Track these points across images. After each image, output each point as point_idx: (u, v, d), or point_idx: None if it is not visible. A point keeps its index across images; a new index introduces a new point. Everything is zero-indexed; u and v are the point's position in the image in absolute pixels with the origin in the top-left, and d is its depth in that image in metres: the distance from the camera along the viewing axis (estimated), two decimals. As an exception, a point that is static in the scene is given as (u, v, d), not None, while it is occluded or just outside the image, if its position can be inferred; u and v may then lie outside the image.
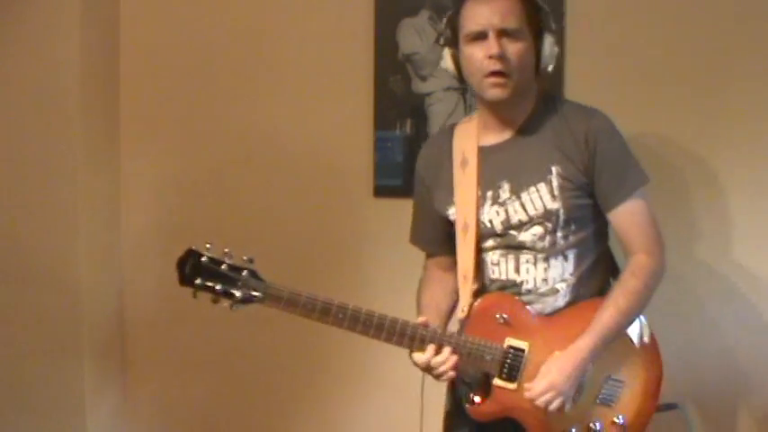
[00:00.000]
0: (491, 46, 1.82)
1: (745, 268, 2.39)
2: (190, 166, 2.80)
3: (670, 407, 2.00)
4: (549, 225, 1.88)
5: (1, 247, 2.75)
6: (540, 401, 1.81)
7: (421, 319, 1.88)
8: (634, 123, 2.43)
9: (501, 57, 1.83)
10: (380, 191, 2.60)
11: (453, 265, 2.03)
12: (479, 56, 1.85)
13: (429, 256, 2.11)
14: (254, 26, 2.73)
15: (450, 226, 2.01)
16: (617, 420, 1.87)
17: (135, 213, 2.82)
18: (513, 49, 1.84)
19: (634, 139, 2.42)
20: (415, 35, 2.56)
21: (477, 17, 1.84)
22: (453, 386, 2.02)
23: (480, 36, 1.84)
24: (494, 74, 1.84)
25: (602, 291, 1.92)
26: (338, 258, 2.64)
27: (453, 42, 1.92)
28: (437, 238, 2.06)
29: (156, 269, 2.67)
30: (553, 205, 1.87)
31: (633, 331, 1.90)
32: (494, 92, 1.86)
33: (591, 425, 1.86)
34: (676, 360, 2.26)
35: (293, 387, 2.78)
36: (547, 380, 1.82)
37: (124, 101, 2.84)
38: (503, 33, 1.83)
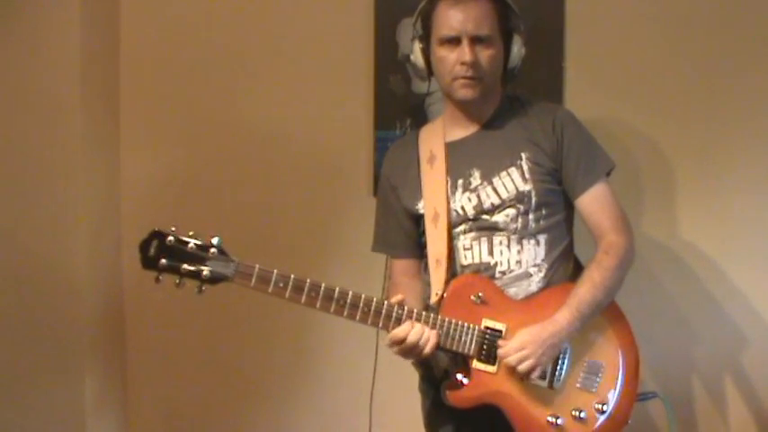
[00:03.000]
0: (464, 53, 1.87)
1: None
2: (190, 165, 2.80)
3: (650, 396, 2.00)
4: (522, 207, 1.91)
5: (1, 246, 2.74)
6: (513, 359, 1.81)
7: (397, 298, 1.85)
8: (634, 124, 2.44)
9: (473, 63, 1.87)
10: (380, 191, 2.60)
11: (419, 272, 2.05)
12: (452, 60, 1.90)
13: (394, 258, 2.09)
14: (253, 26, 2.73)
15: (416, 227, 2.03)
16: (600, 407, 1.87)
17: (135, 213, 2.82)
18: (485, 54, 1.89)
19: (633, 139, 2.43)
20: (415, 35, 2.56)
21: (451, 22, 1.88)
22: (429, 386, 2.00)
23: (453, 41, 1.88)
24: (464, 77, 1.89)
25: (573, 279, 1.93)
26: (338, 258, 2.64)
27: (424, 37, 1.95)
28: (403, 240, 2.06)
29: (156, 269, 2.67)
30: (525, 187, 1.91)
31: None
32: (463, 92, 1.92)
33: (574, 412, 1.86)
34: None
35: (292, 385, 2.78)
36: (520, 340, 1.82)
37: (124, 100, 2.83)
38: (476, 40, 1.88)
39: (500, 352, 1.83)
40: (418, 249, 2.05)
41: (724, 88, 2.38)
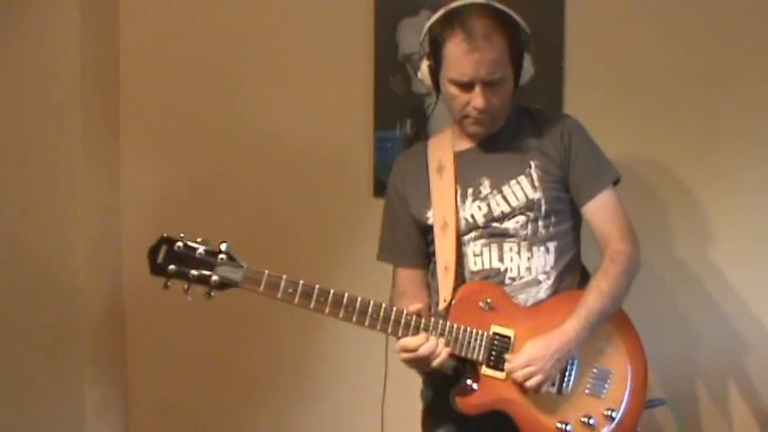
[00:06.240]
0: (477, 99, 1.84)
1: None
2: (189, 166, 2.81)
3: (657, 402, 2.00)
4: (531, 214, 1.91)
5: (1, 247, 2.75)
6: (519, 375, 1.81)
7: (415, 307, 1.84)
8: (633, 125, 2.44)
9: (485, 109, 1.85)
10: (380, 191, 2.57)
11: (425, 282, 2.04)
12: (462, 101, 1.87)
13: (400, 267, 2.07)
14: (253, 27, 2.73)
15: (423, 237, 2.02)
16: (609, 413, 1.86)
17: (135, 214, 2.82)
18: (497, 95, 1.86)
19: (633, 139, 2.43)
20: (414, 35, 2.55)
21: (463, 67, 1.82)
22: (430, 382, 2.00)
23: (466, 85, 1.84)
24: (475, 117, 1.87)
25: (580, 287, 1.92)
26: (338, 258, 2.65)
27: (432, 56, 1.89)
28: (409, 250, 2.04)
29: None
30: (535, 195, 1.91)
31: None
32: (474, 128, 1.92)
33: (583, 419, 1.85)
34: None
35: (296, 387, 2.78)
36: (528, 354, 1.81)
37: (124, 102, 2.84)
38: (488, 84, 1.84)
39: (507, 366, 1.83)
40: (425, 259, 2.04)
41: (724, 89, 2.38)
